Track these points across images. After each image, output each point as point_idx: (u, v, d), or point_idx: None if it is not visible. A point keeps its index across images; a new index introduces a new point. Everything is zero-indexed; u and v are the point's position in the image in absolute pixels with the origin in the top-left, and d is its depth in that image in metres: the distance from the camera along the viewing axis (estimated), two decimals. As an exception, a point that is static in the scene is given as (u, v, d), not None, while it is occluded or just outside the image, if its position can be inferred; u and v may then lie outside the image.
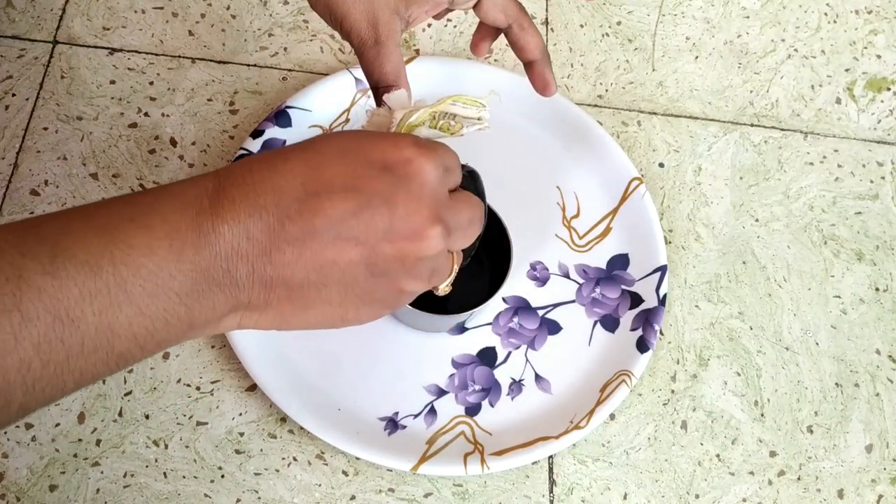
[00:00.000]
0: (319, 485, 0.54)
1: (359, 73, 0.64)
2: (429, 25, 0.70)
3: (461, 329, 0.58)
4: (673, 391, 0.59)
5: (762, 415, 0.59)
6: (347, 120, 0.64)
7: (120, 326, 0.32)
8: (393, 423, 0.55)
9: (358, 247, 0.35)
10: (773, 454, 0.58)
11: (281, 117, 0.62)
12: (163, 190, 0.35)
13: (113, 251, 0.32)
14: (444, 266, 0.40)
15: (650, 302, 0.59)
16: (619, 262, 0.62)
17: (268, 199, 0.35)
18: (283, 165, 0.36)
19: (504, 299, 0.60)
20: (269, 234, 0.34)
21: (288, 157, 0.36)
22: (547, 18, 0.72)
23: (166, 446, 0.54)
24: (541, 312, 0.60)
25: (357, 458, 0.54)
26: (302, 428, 0.55)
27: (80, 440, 0.54)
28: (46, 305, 0.30)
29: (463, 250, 0.42)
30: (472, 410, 0.56)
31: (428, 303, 0.56)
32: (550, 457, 0.56)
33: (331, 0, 0.45)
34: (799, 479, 0.57)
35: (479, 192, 0.43)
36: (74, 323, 0.31)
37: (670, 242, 0.64)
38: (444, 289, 0.43)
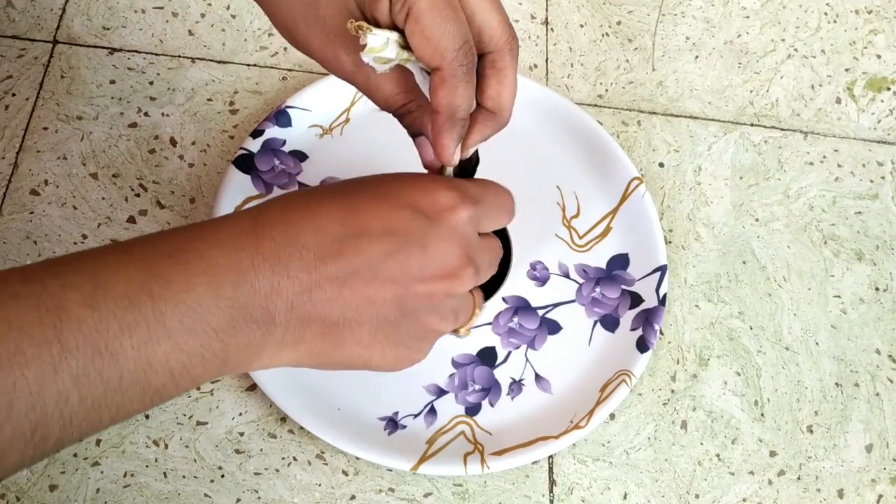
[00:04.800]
0: (319, 484, 0.54)
1: (359, 72, 0.64)
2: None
3: (461, 329, 0.58)
4: (673, 391, 0.59)
5: (762, 415, 0.59)
6: (347, 120, 0.64)
7: (157, 361, 0.32)
8: (393, 423, 0.55)
9: (393, 286, 0.37)
10: (773, 454, 0.58)
11: (281, 117, 0.62)
12: (201, 227, 0.36)
13: (152, 286, 0.32)
14: (468, 306, 0.42)
15: (650, 302, 0.59)
16: (619, 261, 0.62)
17: (309, 239, 0.36)
18: (320, 208, 0.37)
19: (504, 299, 0.60)
20: (309, 272, 0.35)
21: (323, 200, 0.38)
22: (547, 18, 0.72)
23: (166, 446, 0.54)
24: (541, 312, 0.60)
25: (357, 458, 0.54)
26: (302, 428, 0.55)
27: (79, 440, 0.53)
28: (87, 337, 0.30)
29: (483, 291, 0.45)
30: (472, 410, 0.56)
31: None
32: (550, 457, 0.56)
33: (291, 34, 0.42)
34: (799, 478, 0.57)
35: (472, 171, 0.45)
36: (113, 356, 0.31)
37: (670, 242, 0.64)
38: (464, 332, 0.45)
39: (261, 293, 0.34)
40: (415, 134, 0.42)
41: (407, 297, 0.38)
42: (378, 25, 0.38)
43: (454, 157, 0.40)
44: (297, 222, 0.36)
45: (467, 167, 0.43)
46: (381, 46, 0.37)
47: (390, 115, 0.42)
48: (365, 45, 0.37)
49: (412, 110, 0.41)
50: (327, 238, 0.36)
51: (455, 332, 0.44)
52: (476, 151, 0.43)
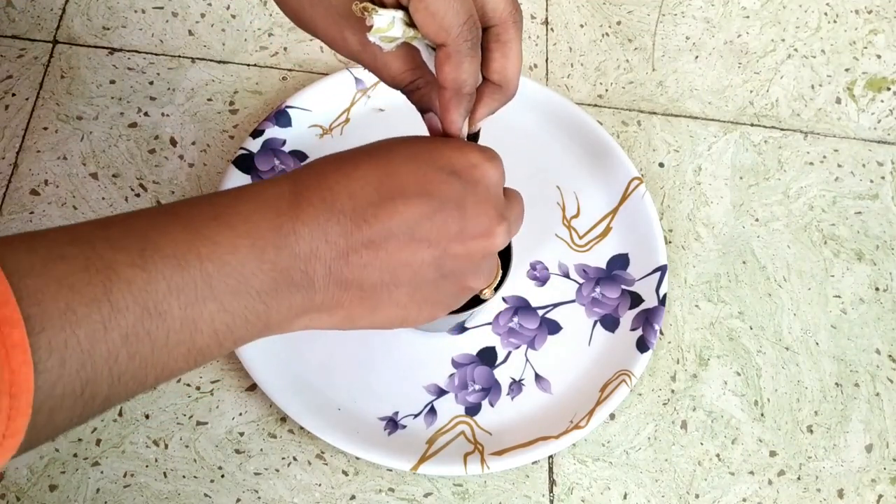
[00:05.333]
0: (319, 484, 0.54)
1: (359, 72, 0.64)
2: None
3: (461, 329, 0.58)
4: (673, 391, 0.59)
5: (762, 415, 0.59)
6: (347, 120, 0.64)
7: (203, 322, 0.33)
8: (393, 423, 0.55)
9: (430, 248, 0.37)
10: (773, 454, 0.58)
11: (281, 117, 0.62)
12: (240, 191, 0.36)
13: (199, 248, 0.33)
14: (494, 263, 0.43)
15: (650, 302, 0.59)
16: (619, 261, 0.62)
17: (345, 204, 0.36)
18: (355, 171, 0.37)
19: (504, 299, 0.60)
20: (346, 237, 0.36)
21: (358, 164, 0.38)
22: (547, 18, 0.72)
23: (166, 446, 0.54)
24: (541, 312, 0.60)
25: (357, 458, 0.54)
26: (302, 428, 0.55)
27: (80, 440, 0.54)
28: (136, 297, 0.31)
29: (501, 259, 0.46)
30: (472, 410, 0.56)
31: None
32: (550, 456, 0.56)
33: (297, 16, 0.43)
34: (799, 478, 0.57)
35: None
36: (161, 316, 0.31)
37: (670, 242, 0.64)
38: (489, 292, 0.45)
39: (301, 257, 0.35)
40: (423, 110, 0.42)
41: (445, 259, 0.38)
42: (382, 5, 0.38)
43: (462, 131, 0.41)
44: (334, 187, 0.36)
45: (469, 138, 0.44)
46: (386, 26, 0.37)
47: (392, 111, 0.43)
48: (371, 26, 0.37)
49: (420, 87, 0.41)
50: (363, 202, 0.36)
51: (481, 293, 0.45)
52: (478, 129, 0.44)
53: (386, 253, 0.37)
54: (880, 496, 0.57)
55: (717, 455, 0.57)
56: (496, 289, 0.55)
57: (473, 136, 0.44)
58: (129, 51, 0.67)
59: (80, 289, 0.30)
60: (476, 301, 0.55)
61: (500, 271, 0.45)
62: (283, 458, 0.54)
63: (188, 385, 0.56)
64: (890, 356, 0.62)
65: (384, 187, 0.37)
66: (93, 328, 0.30)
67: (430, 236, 0.37)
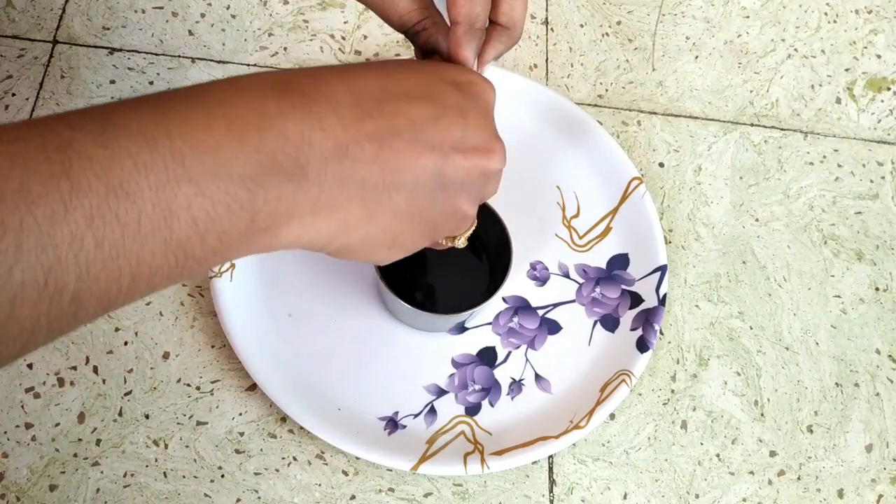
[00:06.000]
0: (319, 484, 0.54)
1: (359, 72, 0.64)
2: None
3: (461, 329, 0.58)
4: (673, 391, 0.59)
5: (762, 414, 0.59)
6: (347, 120, 0.64)
7: (178, 206, 0.29)
8: (393, 423, 0.55)
9: (434, 153, 0.36)
10: (773, 454, 0.58)
11: (281, 117, 0.62)
12: (216, 80, 0.33)
13: (168, 126, 0.30)
14: (491, 191, 0.41)
15: (650, 302, 0.59)
16: (619, 261, 0.62)
17: (343, 96, 0.34)
18: (354, 72, 0.36)
19: (504, 299, 0.60)
20: (345, 128, 0.33)
21: (358, 68, 0.36)
22: (547, 18, 0.72)
23: (166, 446, 0.54)
24: (541, 312, 0.60)
25: (357, 458, 0.54)
26: (302, 428, 0.55)
27: (80, 440, 0.54)
28: (98, 175, 0.28)
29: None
30: (472, 410, 0.56)
31: (428, 302, 0.56)
32: (550, 456, 0.56)
33: None
34: (799, 478, 0.57)
35: None
36: (129, 196, 0.28)
37: (670, 242, 0.64)
38: (462, 242, 0.44)
39: (291, 142, 0.32)
40: (428, 53, 0.42)
41: (446, 167, 0.36)
42: None
43: (472, 68, 0.41)
44: (330, 80, 0.34)
45: None
46: None
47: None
48: None
49: (427, 27, 0.41)
50: (364, 97, 0.34)
51: (453, 240, 0.43)
52: None
53: (391, 150, 0.34)
54: (880, 496, 0.57)
55: (717, 455, 0.57)
56: (494, 290, 0.55)
57: None
58: (129, 51, 0.67)
59: (35, 167, 0.27)
60: (475, 302, 0.55)
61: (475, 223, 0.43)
62: (283, 458, 0.54)
63: (188, 385, 0.56)
64: (890, 356, 0.62)
65: (388, 88, 0.35)
66: (51, 208, 0.27)
67: (435, 141, 0.35)
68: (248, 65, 0.67)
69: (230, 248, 0.32)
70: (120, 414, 0.54)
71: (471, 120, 0.37)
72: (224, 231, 0.31)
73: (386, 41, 0.69)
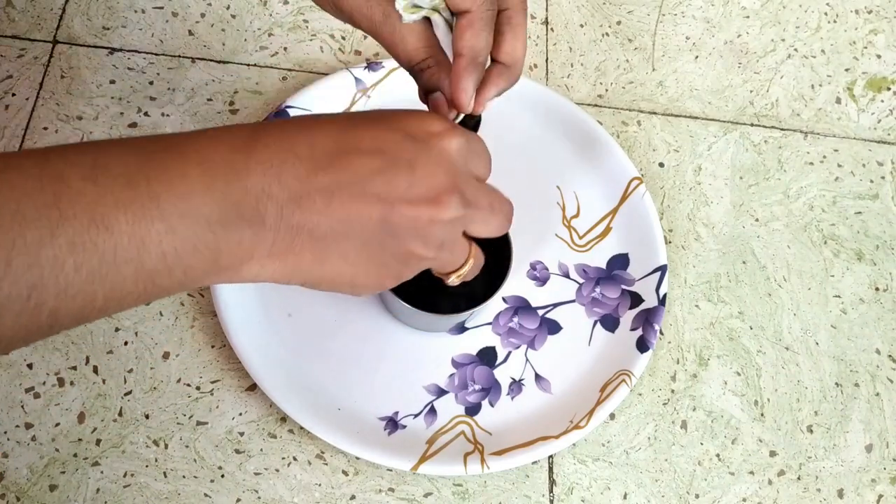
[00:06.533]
0: (319, 484, 0.54)
1: (359, 72, 0.64)
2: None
3: (461, 329, 0.58)
4: (673, 391, 0.59)
5: (762, 414, 0.59)
6: (347, 120, 0.64)
7: (151, 241, 0.33)
8: (393, 423, 0.55)
9: (379, 203, 0.38)
10: (773, 454, 0.58)
11: (281, 117, 0.62)
12: (198, 132, 0.37)
13: (148, 170, 0.33)
14: (457, 244, 0.42)
15: (650, 302, 0.59)
16: (619, 261, 0.62)
17: (302, 150, 0.37)
18: (316, 125, 0.39)
19: (504, 299, 0.60)
20: (300, 181, 0.36)
21: (320, 120, 0.39)
22: (547, 18, 0.72)
23: (166, 446, 0.54)
24: (541, 312, 0.60)
25: (357, 458, 0.54)
26: (302, 428, 0.55)
27: (80, 440, 0.54)
28: (84, 208, 0.32)
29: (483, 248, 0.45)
30: (472, 410, 0.56)
31: (428, 302, 0.56)
32: (550, 456, 0.56)
33: None
34: (799, 478, 0.57)
35: None
36: (108, 229, 0.32)
37: (670, 242, 0.64)
38: (454, 280, 0.45)
39: (252, 194, 0.35)
40: (430, 91, 0.44)
41: (392, 217, 0.38)
42: None
43: (470, 103, 0.43)
44: (294, 135, 0.38)
45: (470, 125, 0.45)
46: None
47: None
48: None
49: (430, 66, 0.43)
50: (319, 151, 0.37)
51: (446, 276, 0.44)
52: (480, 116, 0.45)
53: (339, 202, 0.37)
54: (880, 496, 0.57)
55: (717, 455, 0.57)
56: (494, 290, 0.55)
57: (475, 124, 0.45)
58: (129, 51, 0.67)
59: (31, 194, 0.31)
60: (475, 302, 0.55)
61: (474, 264, 0.44)
62: (283, 458, 0.54)
63: (188, 385, 0.56)
64: (890, 356, 0.62)
65: (342, 141, 0.38)
66: (40, 232, 0.31)
67: (380, 192, 0.38)
68: (248, 65, 0.67)
69: (195, 280, 0.36)
70: (120, 414, 0.54)
71: (418, 170, 0.39)
72: (190, 266, 0.35)
73: (386, 41, 0.69)
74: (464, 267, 0.44)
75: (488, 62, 0.44)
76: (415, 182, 0.38)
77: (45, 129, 0.63)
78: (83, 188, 0.32)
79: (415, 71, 0.44)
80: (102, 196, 0.32)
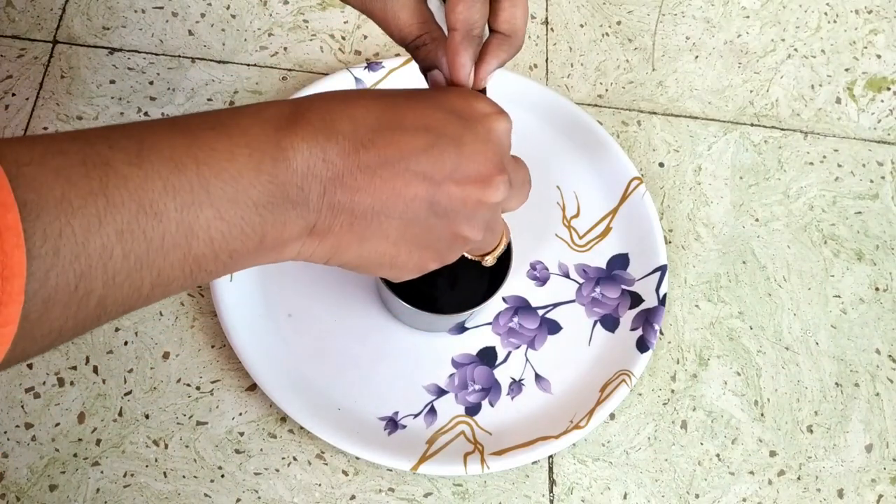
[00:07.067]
0: (319, 484, 0.54)
1: (359, 72, 0.64)
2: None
3: (461, 329, 0.58)
4: (673, 391, 0.59)
5: (762, 414, 0.59)
6: (347, 120, 0.64)
7: (199, 227, 0.32)
8: (393, 423, 0.55)
9: (424, 182, 0.37)
10: (773, 454, 0.58)
11: (281, 117, 0.62)
12: (241, 108, 0.36)
13: (196, 152, 0.33)
14: (498, 224, 0.42)
15: (650, 302, 0.59)
16: (619, 261, 0.62)
17: (345, 126, 0.36)
18: (360, 101, 0.38)
19: (504, 299, 0.60)
20: (343, 159, 0.36)
21: (363, 95, 0.38)
22: (547, 18, 0.72)
23: (166, 446, 0.54)
24: (541, 312, 0.60)
25: (357, 458, 0.54)
26: (302, 428, 0.55)
27: (80, 440, 0.54)
28: (132, 194, 0.31)
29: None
30: (472, 410, 0.56)
31: (428, 302, 0.56)
32: (550, 456, 0.56)
33: None
34: (799, 478, 0.57)
35: None
36: (157, 216, 0.31)
37: (670, 242, 0.64)
38: (489, 261, 0.45)
39: (298, 173, 0.35)
40: (428, 68, 0.43)
41: (438, 196, 0.37)
42: None
43: (469, 77, 0.41)
44: (336, 111, 0.37)
45: None
46: None
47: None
48: None
49: (426, 42, 0.42)
50: (363, 128, 0.36)
51: (482, 257, 0.44)
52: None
53: (381, 180, 0.36)
54: (880, 496, 0.57)
55: (717, 455, 0.57)
56: (494, 290, 0.55)
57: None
58: (129, 51, 0.67)
59: (76, 181, 0.30)
60: (475, 302, 0.55)
61: (507, 241, 0.44)
62: (283, 458, 0.54)
63: (188, 385, 0.56)
64: (890, 356, 0.62)
65: (385, 117, 0.37)
66: (88, 220, 0.29)
67: (426, 171, 0.37)
68: (248, 64, 0.67)
69: (238, 263, 0.35)
70: (120, 414, 0.54)
71: (466, 148, 0.38)
72: (235, 250, 0.34)
73: (386, 41, 0.69)
74: (500, 246, 0.43)
75: (487, 33, 0.43)
76: (462, 162, 0.38)
77: (45, 129, 0.63)
78: (129, 173, 0.31)
79: (410, 48, 0.43)
80: (151, 181, 0.31)
